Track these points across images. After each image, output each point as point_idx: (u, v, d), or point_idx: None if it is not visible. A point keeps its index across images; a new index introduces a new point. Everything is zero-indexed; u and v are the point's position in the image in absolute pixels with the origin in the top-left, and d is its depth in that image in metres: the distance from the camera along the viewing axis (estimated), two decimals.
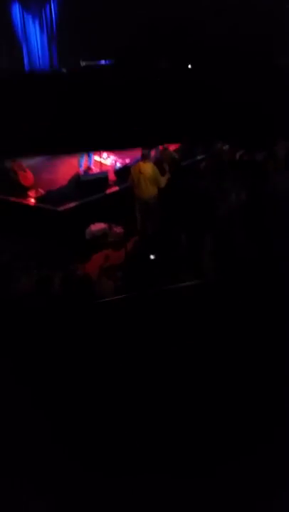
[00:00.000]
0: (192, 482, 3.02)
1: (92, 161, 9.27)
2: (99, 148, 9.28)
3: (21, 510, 2.97)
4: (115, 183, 8.84)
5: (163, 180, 7.36)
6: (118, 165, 9.27)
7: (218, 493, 2.94)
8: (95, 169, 9.18)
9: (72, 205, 8.22)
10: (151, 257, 5.65)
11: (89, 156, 9.16)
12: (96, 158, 9.30)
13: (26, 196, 8.46)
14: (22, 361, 3.89)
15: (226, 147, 8.66)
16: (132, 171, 7.54)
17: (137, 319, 3.84)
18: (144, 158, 7.44)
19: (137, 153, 8.34)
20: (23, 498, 2.99)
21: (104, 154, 9.55)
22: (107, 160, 9.49)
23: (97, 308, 3.92)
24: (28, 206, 8.34)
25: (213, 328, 3.86)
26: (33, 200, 8.38)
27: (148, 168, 7.38)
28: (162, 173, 7.36)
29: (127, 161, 9.29)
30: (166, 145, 8.50)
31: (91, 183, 8.53)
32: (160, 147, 8.54)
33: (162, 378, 3.66)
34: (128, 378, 3.66)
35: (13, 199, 8.39)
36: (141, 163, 7.45)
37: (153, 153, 8.32)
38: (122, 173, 8.82)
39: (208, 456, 3.18)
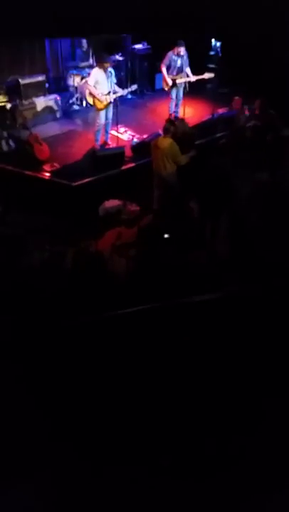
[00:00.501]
0: (191, 483, 2.95)
1: (109, 136, 9.09)
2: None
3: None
4: (132, 159, 8.65)
5: (183, 159, 7.16)
6: (135, 140, 9.07)
7: (217, 493, 2.86)
8: (112, 144, 9.00)
9: (87, 180, 8.08)
10: (166, 235, 5.52)
11: (106, 131, 8.98)
12: (113, 132, 9.11)
13: (41, 170, 8.33)
14: (26, 341, 3.83)
15: (250, 123, 8.43)
16: (152, 146, 7.36)
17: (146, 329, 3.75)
18: (166, 132, 7.23)
19: (156, 128, 8.20)
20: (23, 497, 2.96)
21: (122, 129, 9.36)
22: (124, 135, 9.30)
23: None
24: (42, 180, 8.22)
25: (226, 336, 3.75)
26: (47, 174, 8.25)
27: (166, 143, 7.16)
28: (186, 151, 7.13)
29: (144, 136, 9.08)
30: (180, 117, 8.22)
31: (107, 159, 8.36)
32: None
33: (164, 380, 3.57)
34: (129, 377, 3.58)
35: (27, 172, 8.27)
36: (160, 138, 7.27)
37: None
38: (139, 148, 8.64)
39: (208, 460, 3.10)
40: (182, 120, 8.20)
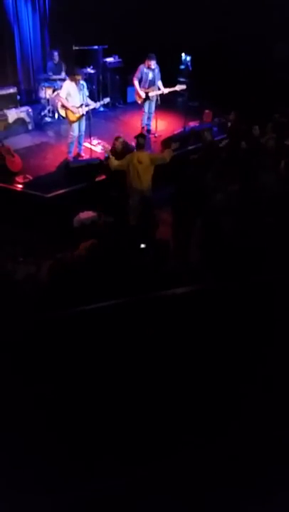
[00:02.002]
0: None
1: (83, 148, 9.11)
2: None
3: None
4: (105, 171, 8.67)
5: (167, 155, 7.42)
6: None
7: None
8: (85, 156, 9.02)
9: (61, 191, 8.06)
10: (142, 245, 5.55)
11: (79, 142, 9.00)
12: (86, 144, 9.14)
13: (14, 182, 8.28)
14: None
15: (222, 143, 8.62)
16: (129, 162, 7.28)
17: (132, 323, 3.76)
18: (141, 147, 7.35)
19: (129, 141, 8.26)
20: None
21: (95, 141, 9.39)
22: (97, 147, 9.33)
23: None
24: (15, 192, 8.17)
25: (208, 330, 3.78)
26: (20, 186, 8.20)
27: (146, 156, 7.30)
28: None
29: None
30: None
31: (81, 170, 8.36)
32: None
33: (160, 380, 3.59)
34: (126, 376, 3.58)
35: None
36: (137, 154, 7.32)
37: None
38: None
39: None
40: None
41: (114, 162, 7.35)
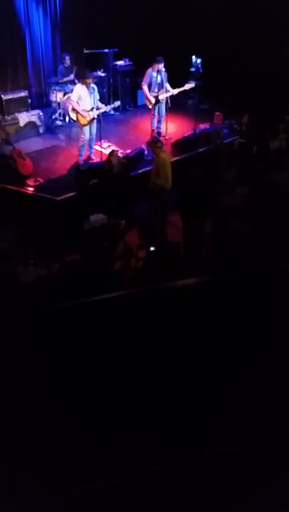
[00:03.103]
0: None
1: (93, 151, 9.14)
2: None
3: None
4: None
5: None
6: (119, 155, 9.12)
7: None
8: (96, 159, 9.05)
9: (71, 194, 8.09)
10: (151, 248, 5.57)
11: (90, 146, 9.03)
12: (97, 147, 9.16)
13: (25, 185, 8.33)
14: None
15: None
16: (164, 162, 7.36)
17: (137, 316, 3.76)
18: (162, 146, 7.49)
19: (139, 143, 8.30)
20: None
21: (105, 144, 9.42)
22: (108, 150, 9.34)
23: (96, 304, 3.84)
24: (26, 195, 8.22)
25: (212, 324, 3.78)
26: (31, 189, 8.25)
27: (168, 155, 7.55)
28: None
29: (128, 151, 9.15)
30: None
31: (91, 173, 8.38)
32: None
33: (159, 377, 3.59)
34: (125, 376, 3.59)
35: (11, 187, 8.25)
36: (165, 153, 7.46)
37: None
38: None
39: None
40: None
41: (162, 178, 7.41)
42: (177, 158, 9.32)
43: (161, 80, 9.37)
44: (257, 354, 3.64)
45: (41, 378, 3.39)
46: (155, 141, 7.57)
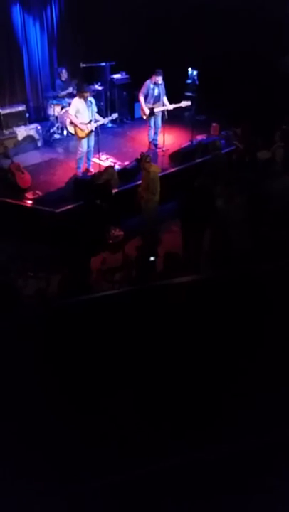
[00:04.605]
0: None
1: (91, 163, 9.18)
2: None
3: None
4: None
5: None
6: (117, 167, 9.17)
7: None
8: (94, 171, 9.09)
9: (70, 206, 8.12)
10: (151, 258, 5.58)
11: (88, 158, 9.08)
12: (95, 160, 9.21)
13: (24, 198, 8.36)
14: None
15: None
16: (154, 176, 7.45)
17: (134, 314, 3.77)
18: (150, 160, 7.51)
19: (137, 156, 8.33)
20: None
21: (103, 156, 9.47)
22: (106, 162, 9.40)
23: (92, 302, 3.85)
24: (25, 208, 8.24)
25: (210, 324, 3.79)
26: (30, 202, 8.27)
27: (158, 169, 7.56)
28: None
29: (126, 163, 9.20)
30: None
31: (89, 185, 8.42)
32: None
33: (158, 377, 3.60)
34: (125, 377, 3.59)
35: (10, 201, 8.28)
36: (155, 167, 7.47)
37: None
38: (121, 175, 8.73)
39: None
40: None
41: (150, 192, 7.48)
42: (175, 169, 9.41)
43: (159, 93, 9.45)
44: (257, 353, 3.65)
45: (41, 377, 3.40)
46: (144, 157, 7.60)
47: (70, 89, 10.36)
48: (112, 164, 9.23)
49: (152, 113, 9.59)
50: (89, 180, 8.17)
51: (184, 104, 9.82)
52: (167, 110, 9.64)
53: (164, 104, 9.54)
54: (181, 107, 9.88)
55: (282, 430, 3.37)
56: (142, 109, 9.64)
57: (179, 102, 9.74)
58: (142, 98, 9.52)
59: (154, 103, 9.51)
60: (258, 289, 3.84)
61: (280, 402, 3.53)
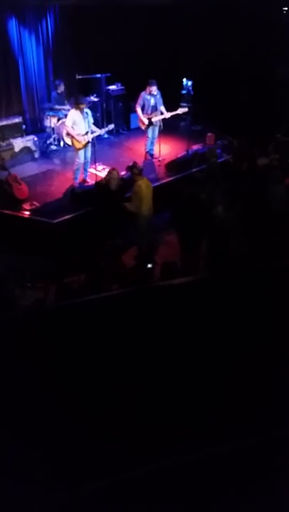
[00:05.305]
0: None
1: (88, 174, 9.23)
2: None
3: None
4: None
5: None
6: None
7: None
8: (91, 181, 9.13)
9: (67, 217, 8.15)
10: (149, 265, 5.60)
11: (85, 169, 9.13)
12: (91, 170, 9.26)
13: (21, 209, 8.38)
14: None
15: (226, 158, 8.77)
16: (138, 190, 7.28)
17: (132, 315, 3.79)
18: (140, 174, 7.38)
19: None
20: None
21: (100, 167, 9.52)
22: (102, 172, 9.44)
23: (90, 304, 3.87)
24: (22, 218, 8.26)
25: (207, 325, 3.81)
26: (27, 213, 8.30)
27: (149, 182, 7.47)
28: None
29: (123, 173, 9.23)
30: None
31: (86, 195, 8.46)
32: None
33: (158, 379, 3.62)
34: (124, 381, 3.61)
35: (7, 212, 8.30)
36: (144, 180, 7.40)
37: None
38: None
39: None
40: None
41: (133, 205, 7.37)
42: (171, 178, 9.46)
43: (155, 103, 9.53)
44: (256, 352, 3.68)
45: (42, 377, 3.40)
46: (134, 166, 7.50)
47: (67, 106, 10.41)
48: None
49: (150, 123, 9.67)
50: (101, 186, 8.09)
51: (181, 111, 9.91)
52: (164, 120, 9.72)
53: (161, 113, 9.62)
54: (178, 115, 9.97)
55: (282, 429, 3.38)
56: (141, 120, 9.72)
57: (176, 109, 9.84)
58: (139, 109, 9.60)
59: (152, 113, 9.59)
60: (254, 288, 3.86)
61: (279, 402, 3.54)
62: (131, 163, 7.52)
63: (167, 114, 9.64)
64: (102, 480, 3.14)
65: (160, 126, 9.85)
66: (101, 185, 8.16)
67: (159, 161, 10.06)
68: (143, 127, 9.82)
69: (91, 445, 3.29)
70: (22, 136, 10.28)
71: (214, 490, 3.12)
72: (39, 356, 3.45)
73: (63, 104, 10.60)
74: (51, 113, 10.56)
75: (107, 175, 8.15)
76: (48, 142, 10.68)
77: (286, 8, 10.74)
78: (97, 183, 8.46)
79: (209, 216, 6.17)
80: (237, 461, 3.27)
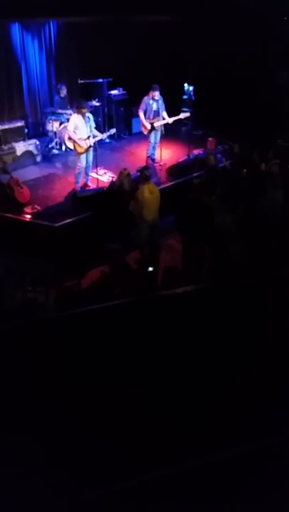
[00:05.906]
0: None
1: (90, 178, 9.27)
2: None
3: None
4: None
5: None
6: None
7: None
8: (92, 186, 9.17)
9: (69, 220, 8.18)
10: (150, 268, 5.62)
11: (86, 173, 9.16)
12: (93, 174, 9.30)
13: (22, 212, 8.42)
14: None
15: (226, 162, 8.77)
16: (138, 194, 7.28)
17: (134, 325, 3.81)
18: (148, 178, 7.41)
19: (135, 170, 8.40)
20: None
21: (102, 171, 9.56)
22: (104, 177, 9.49)
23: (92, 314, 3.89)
24: (24, 222, 8.29)
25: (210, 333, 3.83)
26: (29, 216, 8.33)
27: (155, 187, 7.48)
28: None
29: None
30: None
31: (88, 199, 8.49)
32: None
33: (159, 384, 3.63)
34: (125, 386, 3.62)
35: (9, 215, 8.33)
36: (149, 185, 7.39)
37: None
38: None
39: None
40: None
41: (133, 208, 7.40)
42: (173, 182, 9.50)
43: (157, 108, 9.57)
44: (256, 358, 3.70)
45: (45, 382, 3.42)
46: (142, 169, 7.53)
47: (70, 111, 10.45)
48: (113, 178, 9.31)
49: (153, 128, 9.71)
50: (114, 189, 8.10)
51: (183, 115, 9.97)
52: (165, 125, 9.77)
53: (163, 119, 9.67)
54: (180, 120, 10.02)
55: (282, 436, 3.40)
56: (143, 125, 9.75)
57: (178, 114, 9.89)
58: (141, 114, 9.64)
59: (154, 118, 9.63)
60: (254, 297, 3.89)
61: (279, 409, 3.56)
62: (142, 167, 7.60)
63: (169, 120, 9.69)
64: (102, 488, 3.15)
65: (162, 131, 9.90)
66: (115, 186, 8.15)
67: (160, 165, 10.11)
68: (145, 132, 9.87)
69: (91, 452, 3.30)
70: (24, 140, 10.31)
71: (214, 496, 3.12)
72: (42, 363, 3.47)
73: (65, 109, 10.65)
74: (53, 117, 10.61)
75: (119, 175, 8.16)
76: (50, 146, 10.73)
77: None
78: (111, 184, 8.46)
79: (209, 221, 6.20)
80: (236, 468, 3.27)
